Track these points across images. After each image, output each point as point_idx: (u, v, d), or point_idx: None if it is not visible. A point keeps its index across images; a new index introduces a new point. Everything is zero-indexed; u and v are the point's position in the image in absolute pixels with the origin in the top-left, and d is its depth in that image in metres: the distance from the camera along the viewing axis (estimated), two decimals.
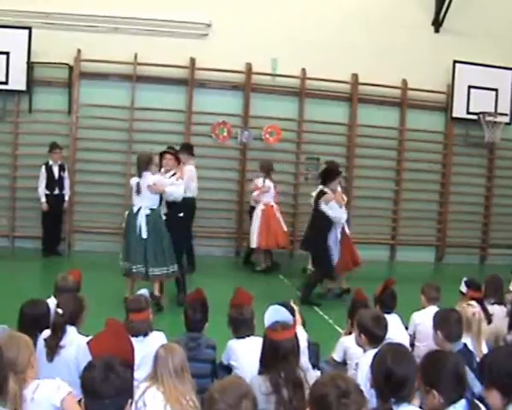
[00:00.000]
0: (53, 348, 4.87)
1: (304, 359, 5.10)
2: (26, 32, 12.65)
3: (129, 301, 5.50)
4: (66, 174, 12.60)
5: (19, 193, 13.16)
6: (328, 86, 13.91)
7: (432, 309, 6.43)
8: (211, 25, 13.55)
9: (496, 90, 14.42)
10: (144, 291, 5.84)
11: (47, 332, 5.01)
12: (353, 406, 2.95)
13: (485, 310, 6.57)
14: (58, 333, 4.98)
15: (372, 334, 4.93)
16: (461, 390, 3.61)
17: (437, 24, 14.51)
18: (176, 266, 9.36)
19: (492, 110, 14.21)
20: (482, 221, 15.37)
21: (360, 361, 4.79)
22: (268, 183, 12.24)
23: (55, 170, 12.42)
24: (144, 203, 9.20)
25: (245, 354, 5.13)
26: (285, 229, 12.41)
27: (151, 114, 13.32)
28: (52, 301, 5.46)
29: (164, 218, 9.42)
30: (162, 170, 9.61)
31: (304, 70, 13.87)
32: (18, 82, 12.69)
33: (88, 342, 3.72)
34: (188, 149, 11.59)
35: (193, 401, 4.04)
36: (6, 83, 12.63)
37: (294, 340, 4.35)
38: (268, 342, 4.33)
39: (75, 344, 4.85)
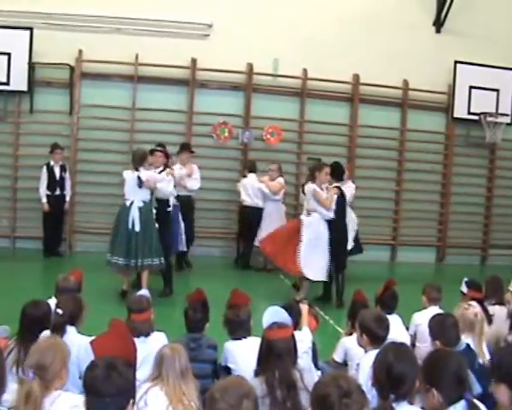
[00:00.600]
0: None
1: (307, 359, 5.13)
2: (28, 32, 12.67)
3: (130, 301, 5.46)
4: (67, 175, 12.59)
5: (20, 194, 13.17)
6: (329, 87, 13.92)
7: (433, 310, 6.48)
8: (212, 25, 13.56)
9: (497, 90, 14.41)
10: (145, 292, 5.82)
11: (47, 333, 4.98)
12: (355, 406, 2.94)
13: (485, 311, 6.56)
14: (58, 333, 4.94)
15: (374, 334, 4.91)
16: (461, 391, 3.60)
17: (438, 24, 14.52)
18: (162, 259, 9.68)
19: (493, 111, 14.20)
20: (483, 222, 15.37)
21: (361, 362, 4.76)
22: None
23: (57, 170, 12.41)
24: (138, 197, 9.59)
25: (242, 356, 5.12)
26: None
27: (152, 114, 13.33)
28: (53, 302, 5.43)
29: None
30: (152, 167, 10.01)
31: (305, 70, 13.88)
32: (19, 82, 12.71)
33: (91, 342, 3.72)
34: (189, 147, 11.95)
35: (195, 402, 4.04)
36: (7, 83, 12.64)
37: (291, 341, 4.34)
38: (263, 341, 4.34)
39: (75, 344, 4.81)
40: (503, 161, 15.18)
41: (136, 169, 9.64)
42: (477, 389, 4.18)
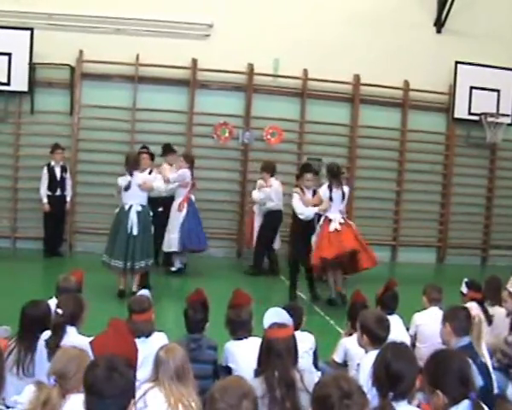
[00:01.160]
0: (53, 348, 4.82)
1: (307, 360, 5.15)
2: (28, 33, 12.67)
3: (131, 301, 5.46)
4: (68, 175, 12.58)
5: (20, 194, 13.18)
6: (329, 87, 13.91)
7: (433, 310, 6.51)
8: (212, 26, 13.55)
9: (498, 91, 14.39)
10: (145, 292, 5.82)
11: (48, 333, 4.99)
12: (355, 407, 2.95)
13: (485, 311, 6.58)
14: (58, 333, 4.96)
15: (374, 335, 4.91)
16: (465, 391, 3.61)
17: (439, 25, 14.50)
18: (152, 259, 10.18)
19: (494, 111, 14.18)
20: (483, 222, 15.35)
21: (362, 362, 4.77)
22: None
23: (57, 171, 12.41)
24: (136, 201, 9.79)
25: (243, 356, 5.12)
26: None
27: (153, 114, 13.34)
28: (54, 302, 5.43)
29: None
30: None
31: (305, 71, 13.88)
32: (20, 83, 12.70)
33: (90, 342, 3.71)
34: (172, 148, 12.17)
35: (195, 403, 4.01)
36: (8, 84, 12.64)
37: (291, 340, 4.33)
38: (264, 340, 4.34)
39: (76, 345, 4.76)
40: (503, 161, 15.16)
41: (131, 173, 9.76)
42: (479, 381, 4.22)
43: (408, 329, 6.46)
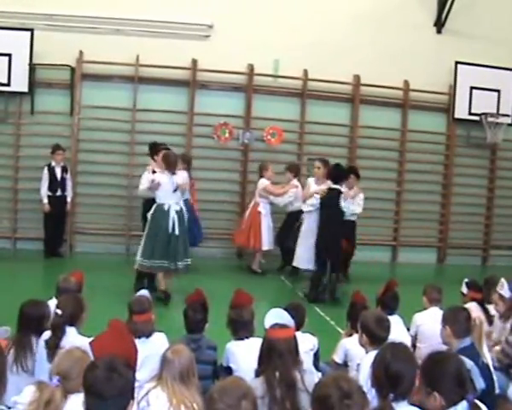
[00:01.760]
0: (53, 349, 4.83)
1: (307, 361, 5.12)
2: (28, 33, 12.64)
3: (131, 302, 5.44)
4: (68, 176, 12.56)
5: (21, 195, 13.16)
6: (329, 87, 13.88)
7: (433, 310, 6.51)
8: (212, 26, 13.54)
9: (498, 91, 14.39)
10: (145, 292, 5.80)
11: (48, 333, 4.98)
12: (356, 407, 2.96)
13: (485, 311, 6.57)
14: (57, 334, 4.94)
15: (374, 335, 4.92)
16: (462, 392, 3.60)
17: (439, 25, 14.49)
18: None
19: (494, 111, 14.17)
20: (484, 222, 15.35)
21: (362, 362, 4.77)
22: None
23: (58, 171, 12.39)
24: (174, 200, 9.74)
25: (244, 356, 5.13)
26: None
27: (153, 115, 13.32)
28: (54, 303, 5.43)
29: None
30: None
31: (306, 71, 13.86)
32: (20, 84, 12.68)
33: (90, 343, 3.70)
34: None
35: (197, 405, 4.01)
36: (8, 84, 12.61)
37: (292, 341, 4.34)
38: (265, 340, 4.35)
39: (76, 345, 4.78)
40: (503, 161, 15.15)
41: (173, 173, 9.73)
42: (480, 383, 4.31)
43: (408, 329, 6.45)
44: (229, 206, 13.98)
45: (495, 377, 5.03)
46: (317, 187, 10.50)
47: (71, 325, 5.09)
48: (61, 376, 3.68)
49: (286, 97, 13.97)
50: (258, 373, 4.30)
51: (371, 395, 3.63)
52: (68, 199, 12.60)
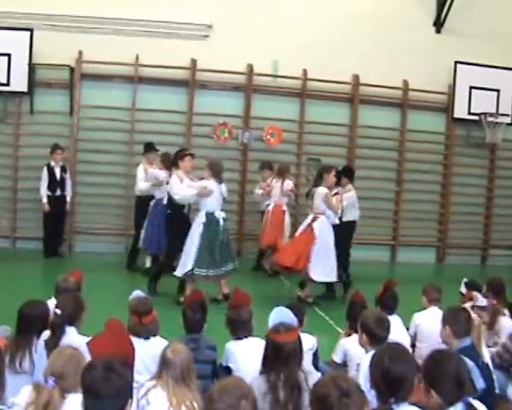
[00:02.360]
0: (53, 349, 4.76)
1: (307, 361, 5.09)
2: (28, 33, 12.67)
3: (136, 303, 5.34)
4: (67, 175, 12.56)
5: (20, 194, 13.17)
6: (329, 87, 13.89)
7: (433, 310, 6.52)
8: (212, 26, 13.55)
9: (497, 90, 14.39)
10: (140, 292, 5.67)
11: (47, 333, 4.95)
12: (354, 406, 2.95)
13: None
14: (57, 334, 4.90)
15: (374, 335, 4.90)
16: (460, 393, 3.61)
17: (438, 24, 14.50)
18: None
19: (494, 111, 14.18)
20: (483, 222, 15.34)
21: (362, 362, 4.73)
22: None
23: (57, 171, 12.38)
24: (219, 207, 9.78)
25: (243, 356, 5.13)
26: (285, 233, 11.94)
27: (152, 115, 13.32)
28: (53, 303, 5.39)
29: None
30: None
31: (305, 71, 13.87)
32: (19, 83, 12.69)
33: (88, 343, 3.71)
34: (155, 147, 11.84)
35: (197, 404, 4.00)
36: (7, 84, 12.61)
37: (297, 343, 4.33)
38: (270, 343, 4.31)
39: (75, 345, 4.61)
40: (503, 161, 15.15)
41: (221, 181, 9.73)
42: (480, 384, 4.24)
43: (408, 329, 6.44)
44: (229, 206, 13.89)
45: (495, 377, 5.03)
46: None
47: (70, 324, 5.03)
48: (55, 376, 3.65)
49: (285, 97, 13.96)
50: (261, 373, 4.28)
51: (371, 395, 3.61)
52: (68, 199, 12.58)
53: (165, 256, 10.28)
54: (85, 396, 3.03)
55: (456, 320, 5.04)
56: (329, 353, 6.01)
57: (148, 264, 11.56)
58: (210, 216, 9.58)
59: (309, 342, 5.50)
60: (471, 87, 14.31)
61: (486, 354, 5.30)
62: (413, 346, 6.26)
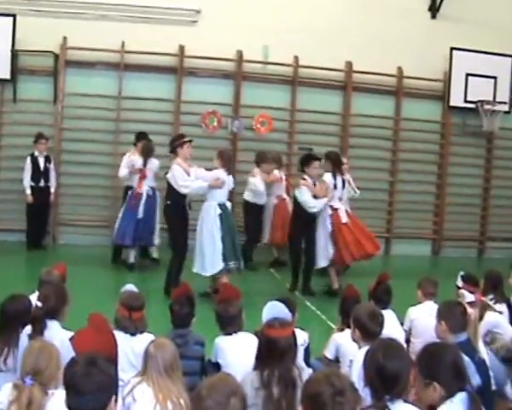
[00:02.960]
0: None
1: (298, 356, 5.04)
2: (11, 19, 12.50)
3: (128, 297, 5.29)
4: (51, 166, 12.38)
5: (2, 185, 12.95)
6: (321, 74, 13.76)
7: (428, 304, 6.48)
8: (200, 11, 13.38)
9: (494, 77, 14.31)
10: (133, 286, 5.64)
11: (29, 328, 4.85)
12: (348, 404, 2.94)
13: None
14: (38, 328, 4.80)
15: (367, 330, 4.85)
16: (461, 382, 3.62)
17: (434, 10, 14.37)
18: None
19: (491, 98, 14.09)
20: (480, 213, 15.27)
21: (355, 358, 4.68)
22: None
23: (41, 161, 12.20)
24: (226, 198, 9.63)
25: (232, 352, 5.13)
26: None
27: (139, 103, 13.16)
28: (36, 297, 5.28)
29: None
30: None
31: (296, 58, 13.75)
32: (2, 71, 12.54)
33: (71, 339, 3.73)
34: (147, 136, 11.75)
35: (184, 400, 3.97)
36: None
37: (292, 338, 4.27)
38: (264, 338, 4.26)
39: (58, 339, 4.63)
40: (500, 150, 15.08)
41: (230, 172, 9.61)
42: (476, 380, 4.31)
43: (402, 323, 6.38)
44: None
45: (491, 373, 4.96)
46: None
47: (52, 318, 4.96)
48: (31, 374, 3.69)
49: (276, 85, 13.84)
50: (255, 368, 4.22)
51: (365, 392, 3.56)
52: (52, 190, 12.41)
53: (175, 250, 9.87)
54: (67, 393, 3.01)
55: (451, 315, 4.99)
56: (321, 348, 5.97)
57: (131, 259, 11.21)
58: (223, 207, 9.47)
59: (300, 337, 5.46)
60: (467, 74, 14.21)
61: (483, 350, 5.24)
62: (408, 341, 6.18)
